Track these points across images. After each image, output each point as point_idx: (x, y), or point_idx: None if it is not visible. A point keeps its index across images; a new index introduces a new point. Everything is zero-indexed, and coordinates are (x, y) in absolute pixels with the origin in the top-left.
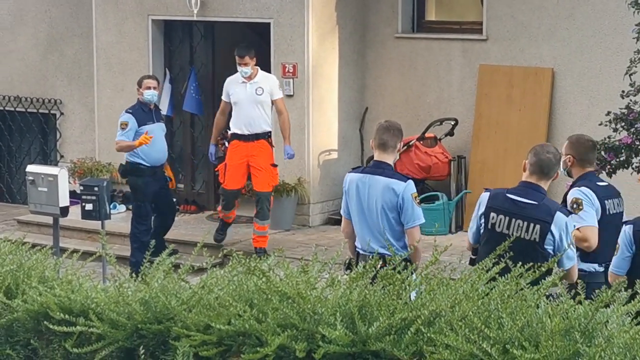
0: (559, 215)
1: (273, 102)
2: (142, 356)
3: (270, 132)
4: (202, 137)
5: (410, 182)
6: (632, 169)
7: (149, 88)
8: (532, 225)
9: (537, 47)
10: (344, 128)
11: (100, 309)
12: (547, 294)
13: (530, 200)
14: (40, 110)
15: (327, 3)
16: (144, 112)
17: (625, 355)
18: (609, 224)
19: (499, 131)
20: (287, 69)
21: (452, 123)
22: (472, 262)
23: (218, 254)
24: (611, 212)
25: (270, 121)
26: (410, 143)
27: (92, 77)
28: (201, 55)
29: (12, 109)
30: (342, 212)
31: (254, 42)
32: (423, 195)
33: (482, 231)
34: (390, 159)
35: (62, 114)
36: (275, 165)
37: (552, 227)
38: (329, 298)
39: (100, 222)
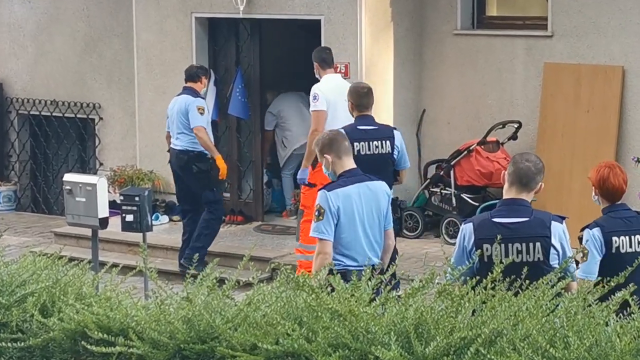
0: (554, 225)
1: None
2: None
3: None
4: (248, 143)
5: None
6: None
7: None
8: (531, 244)
9: (607, 44)
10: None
11: (140, 327)
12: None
13: (520, 218)
14: (78, 115)
15: None
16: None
17: None
18: None
19: (566, 134)
20: (339, 69)
21: (516, 126)
22: None
23: (265, 268)
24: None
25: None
26: (471, 148)
27: (133, 79)
28: (248, 55)
29: (49, 113)
30: (320, 235)
31: (303, 40)
32: (485, 204)
33: (477, 267)
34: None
35: (101, 118)
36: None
37: (553, 240)
38: (383, 316)
39: (141, 234)
